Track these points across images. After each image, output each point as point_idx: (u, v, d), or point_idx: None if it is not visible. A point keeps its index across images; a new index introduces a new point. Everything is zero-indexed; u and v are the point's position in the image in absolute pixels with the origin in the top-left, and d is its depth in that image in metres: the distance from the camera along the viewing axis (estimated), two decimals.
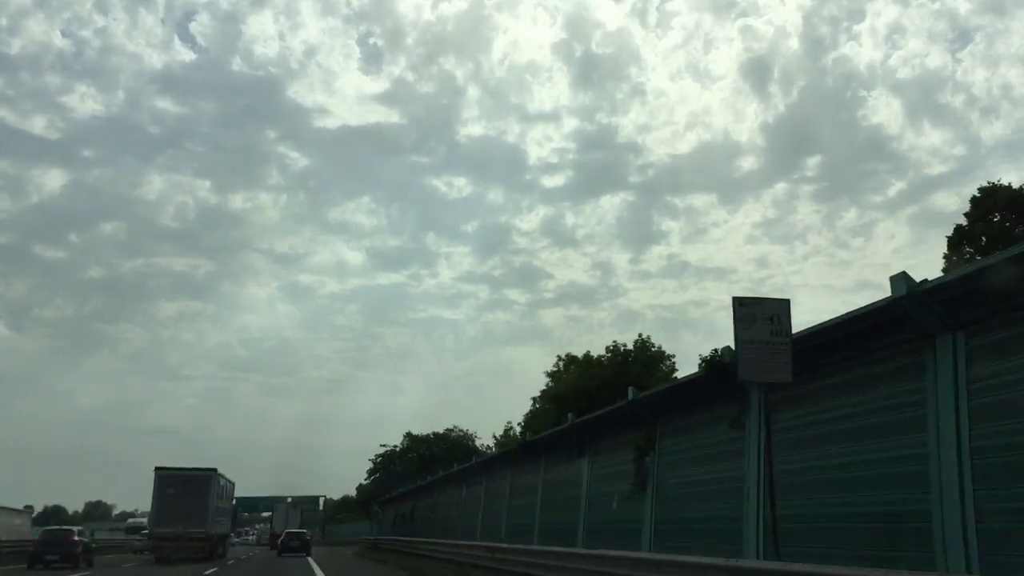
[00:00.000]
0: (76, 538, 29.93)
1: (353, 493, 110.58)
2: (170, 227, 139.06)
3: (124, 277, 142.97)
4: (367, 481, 79.79)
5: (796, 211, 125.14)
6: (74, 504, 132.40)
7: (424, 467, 58.10)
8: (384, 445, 74.96)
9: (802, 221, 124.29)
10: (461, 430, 73.98)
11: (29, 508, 55.57)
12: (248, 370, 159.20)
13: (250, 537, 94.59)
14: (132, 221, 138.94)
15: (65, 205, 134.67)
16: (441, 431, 73.97)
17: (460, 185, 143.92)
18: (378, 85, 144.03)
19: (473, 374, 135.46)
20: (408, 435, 74.38)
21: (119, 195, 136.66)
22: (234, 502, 44.18)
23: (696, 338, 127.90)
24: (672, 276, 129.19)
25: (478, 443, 70.48)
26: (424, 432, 74.80)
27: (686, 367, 36.00)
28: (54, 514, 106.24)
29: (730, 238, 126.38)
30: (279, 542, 44.26)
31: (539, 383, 49.07)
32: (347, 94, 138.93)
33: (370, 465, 76.56)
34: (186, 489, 31.40)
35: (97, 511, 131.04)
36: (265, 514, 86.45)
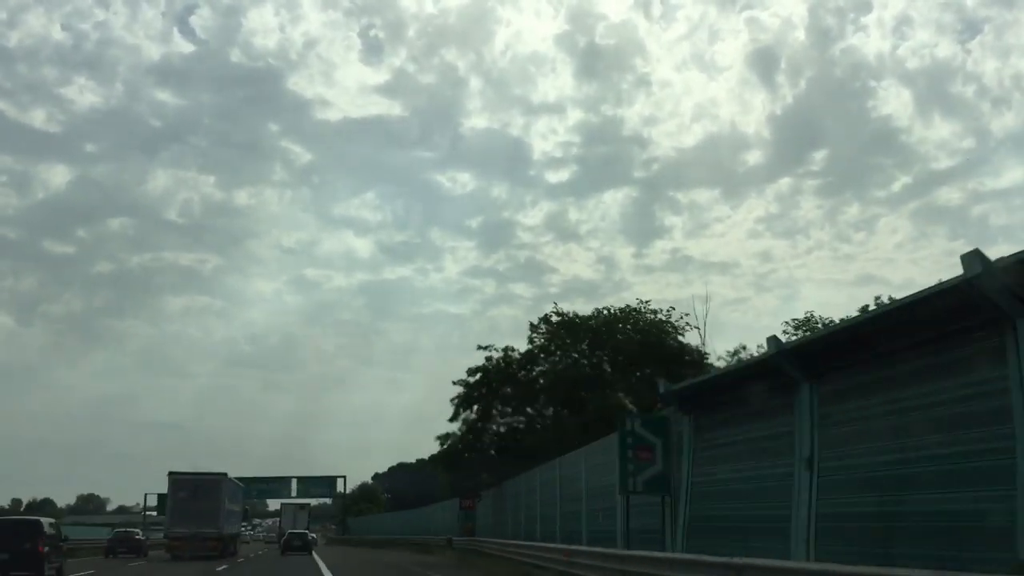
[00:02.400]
0: (138, 536, 41.71)
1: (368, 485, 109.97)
2: (176, 222, 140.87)
3: (131, 272, 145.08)
4: (454, 422, 38.71)
5: (799, 206, 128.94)
6: (66, 497, 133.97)
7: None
8: (487, 347, 37.21)
9: (804, 216, 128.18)
10: (652, 311, 35.34)
11: (17, 501, 59.49)
12: (252, 365, 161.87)
13: (250, 531, 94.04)
14: (139, 216, 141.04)
15: (72, 201, 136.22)
16: (618, 308, 36.55)
17: (464, 180, 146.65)
18: (379, 76, 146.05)
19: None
20: (551, 319, 36.84)
21: (125, 190, 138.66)
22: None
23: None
24: (676, 270, 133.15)
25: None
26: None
27: None
28: (39, 507, 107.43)
29: (732, 232, 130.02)
30: (282, 542, 47.26)
31: None
32: (348, 85, 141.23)
33: (460, 391, 37.78)
34: (198, 492, 33.69)
35: (89, 505, 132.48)
36: (274, 503, 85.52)
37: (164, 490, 69.64)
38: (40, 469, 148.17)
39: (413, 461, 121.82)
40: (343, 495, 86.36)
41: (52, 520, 23.95)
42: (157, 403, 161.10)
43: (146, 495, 79.33)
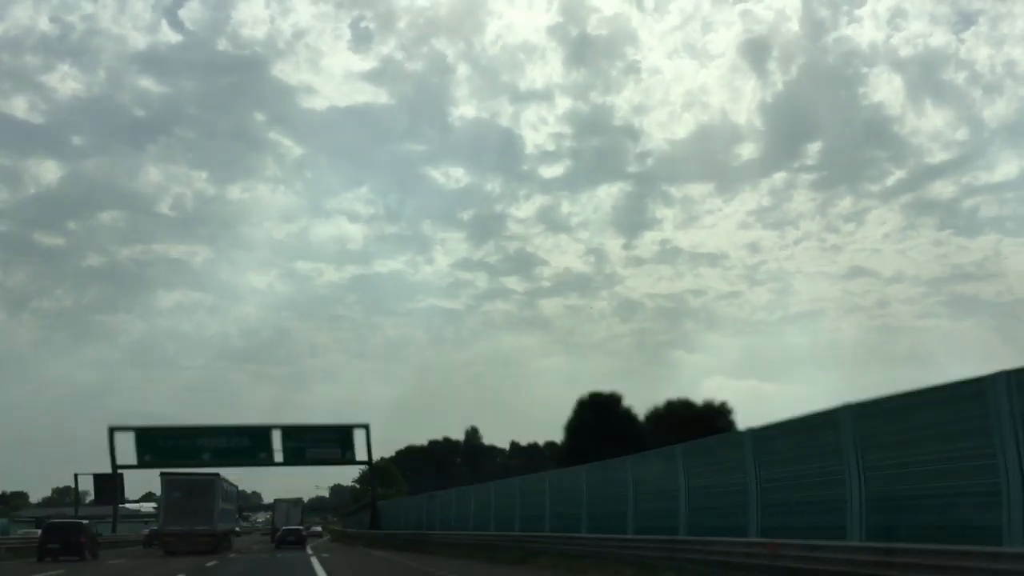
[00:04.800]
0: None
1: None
2: (167, 216, 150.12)
3: (122, 265, 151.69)
4: None
5: (792, 199, 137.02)
6: (43, 490, 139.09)
7: None
8: None
9: (796, 208, 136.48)
10: None
11: None
12: (243, 359, 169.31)
13: (247, 524, 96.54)
14: (129, 210, 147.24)
15: (61, 194, 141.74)
16: None
17: (457, 175, 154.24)
18: (366, 63, 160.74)
19: (472, 364, 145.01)
20: None
21: (114, 185, 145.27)
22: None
23: (698, 327, 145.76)
24: (666, 262, 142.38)
25: None
26: None
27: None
28: (7, 500, 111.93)
29: (722, 224, 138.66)
30: (276, 537, 51.83)
31: None
32: (334, 72, 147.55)
33: None
34: (192, 492, 38.06)
35: (65, 498, 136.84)
36: (262, 485, 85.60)
37: (99, 470, 67.01)
38: (24, 461, 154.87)
39: (425, 443, 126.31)
40: (368, 462, 61.20)
41: (89, 521, 38.64)
42: (148, 397, 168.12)
43: (77, 476, 71.13)
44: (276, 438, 56.03)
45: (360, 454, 58.32)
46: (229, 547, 43.08)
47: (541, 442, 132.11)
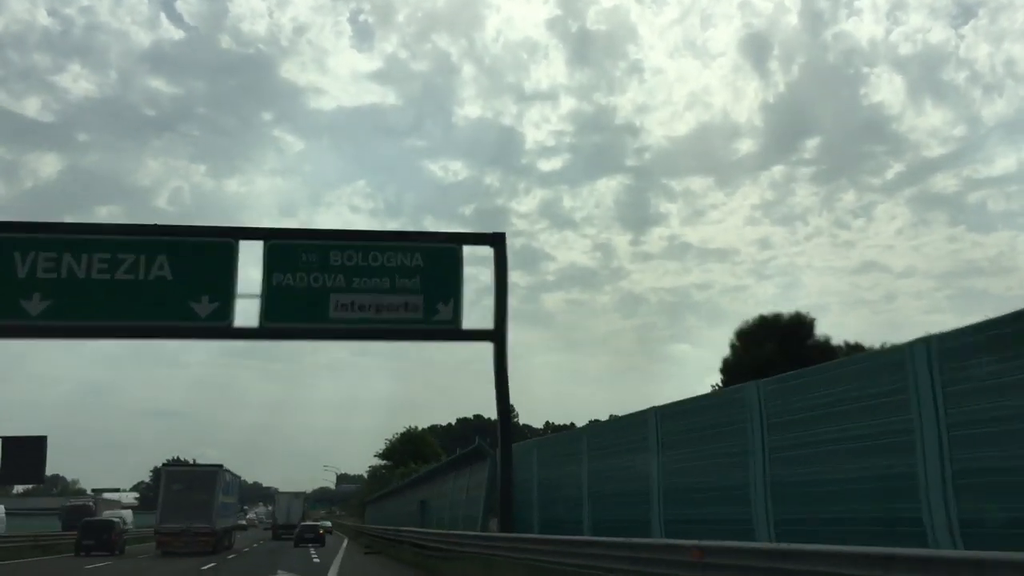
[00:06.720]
0: None
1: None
2: (167, 211, 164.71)
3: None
4: None
5: (794, 193, 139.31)
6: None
7: None
8: None
9: (801, 203, 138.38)
10: None
11: None
12: (242, 355, 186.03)
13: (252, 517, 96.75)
14: (128, 205, 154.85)
15: (62, 189, 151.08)
16: None
17: (456, 168, 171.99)
18: (372, 63, 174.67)
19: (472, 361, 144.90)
20: None
21: (115, 179, 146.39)
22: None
23: (700, 322, 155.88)
24: (674, 258, 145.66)
25: None
26: None
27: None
28: None
29: (730, 219, 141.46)
30: (294, 534, 52.42)
31: None
32: (340, 73, 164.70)
33: None
34: (192, 485, 37.98)
35: (53, 487, 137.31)
36: (265, 476, 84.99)
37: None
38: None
39: (451, 423, 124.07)
40: (498, 337, 26.52)
41: (121, 519, 44.24)
42: (146, 391, 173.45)
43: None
44: (255, 263, 25.87)
45: (474, 321, 27.31)
46: (230, 546, 43.48)
47: (580, 422, 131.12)
